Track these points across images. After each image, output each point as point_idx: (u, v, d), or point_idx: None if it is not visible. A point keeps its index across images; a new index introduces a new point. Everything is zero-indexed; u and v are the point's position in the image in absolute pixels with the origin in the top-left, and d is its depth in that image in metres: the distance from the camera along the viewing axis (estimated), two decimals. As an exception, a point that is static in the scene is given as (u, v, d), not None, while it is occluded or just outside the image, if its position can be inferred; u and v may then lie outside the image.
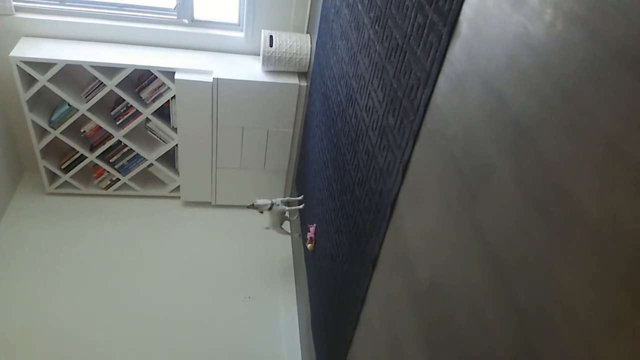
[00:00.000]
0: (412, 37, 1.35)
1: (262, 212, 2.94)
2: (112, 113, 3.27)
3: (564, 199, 0.75)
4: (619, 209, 0.65)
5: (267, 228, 3.07)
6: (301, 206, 3.06)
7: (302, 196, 3.12)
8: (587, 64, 0.72)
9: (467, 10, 1.06)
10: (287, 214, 3.03)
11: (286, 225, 3.10)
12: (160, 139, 3.40)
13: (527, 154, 0.84)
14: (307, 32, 3.23)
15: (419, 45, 1.29)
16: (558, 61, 0.78)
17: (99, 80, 3.06)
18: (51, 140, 3.30)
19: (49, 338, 2.79)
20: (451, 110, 1.12)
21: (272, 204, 2.90)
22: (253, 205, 2.90)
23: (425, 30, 1.25)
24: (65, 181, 3.51)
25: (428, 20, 1.24)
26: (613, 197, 0.66)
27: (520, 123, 0.87)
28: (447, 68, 1.15)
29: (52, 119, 3.20)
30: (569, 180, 0.74)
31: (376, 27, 1.67)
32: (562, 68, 0.77)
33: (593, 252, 0.69)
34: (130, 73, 3.05)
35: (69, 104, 3.14)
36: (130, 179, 3.56)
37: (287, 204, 2.99)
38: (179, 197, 3.70)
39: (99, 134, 3.36)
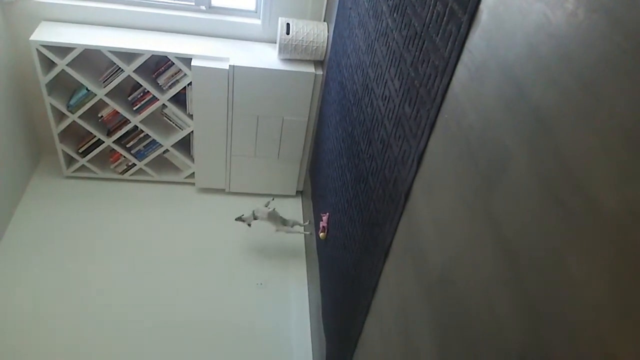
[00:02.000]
0: (431, 26, 1.33)
1: (250, 225, 3.11)
2: (129, 98, 3.30)
3: (581, 190, 0.74)
4: (635, 201, 0.64)
5: (277, 231, 3.15)
6: (306, 225, 3.20)
7: (307, 222, 3.24)
8: (609, 53, 0.71)
9: (487, -1, 1.05)
10: (280, 214, 3.13)
11: (296, 227, 3.17)
12: (176, 125, 3.42)
13: (544, 144, 0.84)
14: (325, 20, 3.21)
15: (438, 34, 1.28)
16: (579, 50, 0.77)
17: (117, 66, 3.09)
18: (69, 125, 3.34)
19: (64, 319, 2.85)
20: (469, 100, 1.11)
21: (254, 212, 3.06)
22: (240, 218, 3.09)
23: (445, 19, 1.24)
24: (83, 165, 3.56)
25: (447, 8, 1.23)
26: (630, 189, 0.65)
27: (538, 113, 0.86)
28: (465, 57, 1.14)
29: (71, 103, 3.24)
30: (586, 171, 0.74)
31: (394, 15, 1.66)
32: (583, 57, 0.76)
33: (608, 243, 0.68)
34: (148, 59, 3.07)
35: (87, 89, 3.17)
36: (146, 165, 3.60)
37: (268, 206, 3.11)
38: (193, 184, 3.73)
39: (116, 119, 3.40)
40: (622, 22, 0.68)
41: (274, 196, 3.26)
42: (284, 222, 3.11)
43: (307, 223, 3.22)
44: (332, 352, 2.36)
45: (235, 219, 3.11)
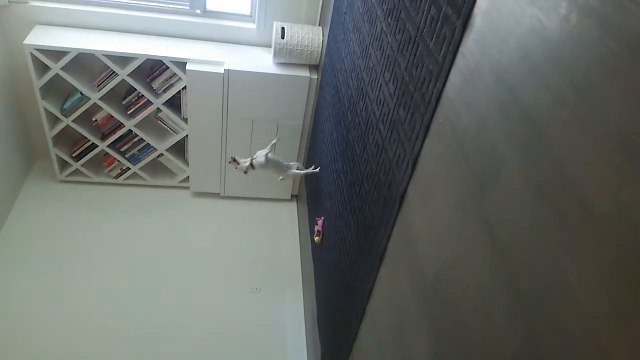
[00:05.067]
0: (425, 30, 1.34)
1: (246, 173, 2.54)
2: (124, 103, 3.29)
3: (575, 194, 0.75)
4: (629, 204, 0.64)
5: (282, 180, 2.69)
6: (310, 170, 2.79)
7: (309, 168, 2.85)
8: (602, 58, 0.71)
9: (481, 3, 1.06)
10: (281, 161, 2.64)
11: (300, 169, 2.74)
12: (170, 129, 3.42)
13: (538, 149, 0.84)
14: (320, 25, 3.22)
15: (432, 39, 1.29)
16: (572, 55, 0.77)
17: (112, 70, 3.08)
18: (63, 129, 3.33)
19: (57, 323, 2.83)
20: (463, 104, 1.11)
21: (252, 160, 2.53)
22: (235, 160, 2.54)
23: (439, 23, 1.25)
24: (77, 169, 3.54)
25: (442, 13, 1.23)
26: (623, 193, 0.65)
27: (532, 117, 0.86)
28: (459, 61, 1.14)
29: (65, 107, 3.23)
30: (580, 176, 0.74)
31: (389, 19, 1.66)
32: (576, 62, 0.76)
33: (602, 247, 0.68)
34: (143, 63, 3.06)
35: (81, 93, 3.16)
36: (141, 169, 3.58)
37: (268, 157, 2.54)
38: (188, 188, 3.72)
39: (111, 123, 3.38)
40: (615, 26, 0.69)
41: (279, 137, 2.70)
42: (287, 166, 2.64)
43: (317, 169, 2.80)
44: (327, 357, 2.35)
45: (229, 162, 2.56)
